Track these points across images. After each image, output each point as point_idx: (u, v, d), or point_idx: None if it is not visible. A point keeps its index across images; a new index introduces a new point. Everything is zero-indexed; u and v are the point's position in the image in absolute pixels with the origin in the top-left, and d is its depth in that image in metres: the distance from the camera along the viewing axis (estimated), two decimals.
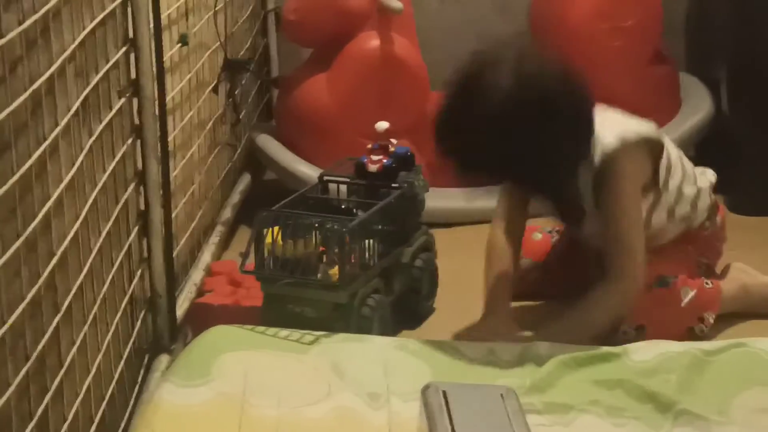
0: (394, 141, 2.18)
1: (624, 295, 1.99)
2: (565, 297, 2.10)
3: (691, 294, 2.08)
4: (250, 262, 2.01)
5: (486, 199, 2.60)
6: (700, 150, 2.86)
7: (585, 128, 1.94)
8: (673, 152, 2.11)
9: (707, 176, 2.19)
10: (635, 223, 2.00)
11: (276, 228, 1.96)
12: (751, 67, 2.59)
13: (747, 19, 2.58)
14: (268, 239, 1.96)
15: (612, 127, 2.00)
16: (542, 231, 2.28)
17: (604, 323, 1.99)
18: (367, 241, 2.00)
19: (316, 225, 1.95)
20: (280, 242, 1.95)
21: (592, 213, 2.05)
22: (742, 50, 2.60)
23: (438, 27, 3.05)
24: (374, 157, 2.15)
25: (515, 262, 2.13)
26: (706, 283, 2.12)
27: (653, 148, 2.04)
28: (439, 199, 2.51)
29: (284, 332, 1.82)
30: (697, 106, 2.76)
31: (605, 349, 1.76)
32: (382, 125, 2.12)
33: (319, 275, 1.94)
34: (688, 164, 2.15)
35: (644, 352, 1.75)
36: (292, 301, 1.97)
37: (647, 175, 2.04)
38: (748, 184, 2.63)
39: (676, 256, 2.12)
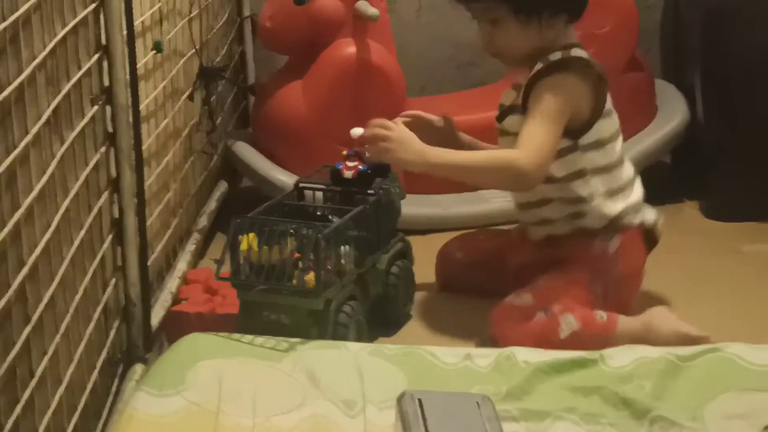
0: None
1: (510, 166, 1.96)
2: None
3: (575, 326, 1.91)
4: (226, 269, 2.00)
5: (462, 206, 2.61)
6: (675, 156, 2.87)
7: None
8: (618, 147, 2.06)
9: (648, 212, 2.09)
10: (553, 127, 1.97)
11: (251, 234, 1.95)
12: (726, 73, 2.60)
13: (720, 26, 2.59)
14: (244, 246, 1.95)
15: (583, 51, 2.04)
16: None
17: (480, 173, 2.02)
18: (343, 247, 2.00)
19: (291, 231, 1.94)
20: (256, 249, 1.94)
21: (521, 110, 2.03)
22: (717, 57, 2.61)
23: (415, 34, 3.05)
24: (349, 164, 2.14)
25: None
26: (600, 316, 1.93)
27: (597, 100, 2.03)
28: (416, 206, 2.51)
29: (259, 339, 1.82)
30: (672, 113, 2.77)
31: (582, 354, 1.77)
32: (357, 132, 2.11)
33: (294, 281, 1.93)
34: (627, 172, 2.08)
35: (620, 358, 1.75)
36: (267, 308, 1.96)
37: (581, 112, 2.01)
38: (723, 190, 2.64)
39: (565, 280, 1.99)
